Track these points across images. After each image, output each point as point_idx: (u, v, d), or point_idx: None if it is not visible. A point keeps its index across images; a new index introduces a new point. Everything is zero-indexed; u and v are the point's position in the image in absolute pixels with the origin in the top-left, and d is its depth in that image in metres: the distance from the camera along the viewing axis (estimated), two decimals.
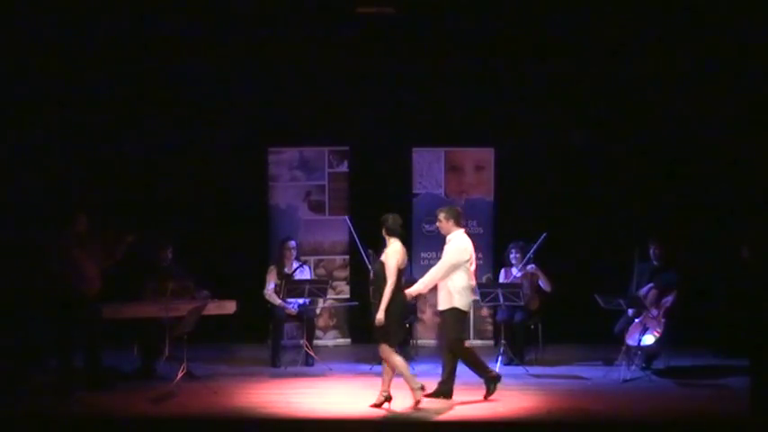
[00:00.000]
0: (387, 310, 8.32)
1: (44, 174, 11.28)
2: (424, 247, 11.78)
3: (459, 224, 8.95)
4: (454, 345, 8.90)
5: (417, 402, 8.38)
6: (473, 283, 8.94)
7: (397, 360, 8.44)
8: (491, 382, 8.82)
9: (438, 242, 11.62)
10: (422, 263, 11.54)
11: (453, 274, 8.79)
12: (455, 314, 8.79)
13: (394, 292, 8.34)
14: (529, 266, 10.41)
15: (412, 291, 8.84)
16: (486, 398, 8.76)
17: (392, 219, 8.63)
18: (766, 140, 10.89)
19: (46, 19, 10.82)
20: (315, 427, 8.07)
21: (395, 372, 8.45)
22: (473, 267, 8.96)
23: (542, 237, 10.25)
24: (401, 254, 8.48)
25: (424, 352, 11.25)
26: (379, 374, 9.67)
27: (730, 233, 9.93)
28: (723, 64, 11.11)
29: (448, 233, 8.95)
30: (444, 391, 8.82)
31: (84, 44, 11.14)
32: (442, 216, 8.94)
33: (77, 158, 11.55)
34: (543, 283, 10.48)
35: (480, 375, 8.90)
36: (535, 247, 10.30)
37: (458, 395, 8.89)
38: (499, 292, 10.07)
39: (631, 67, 11.49)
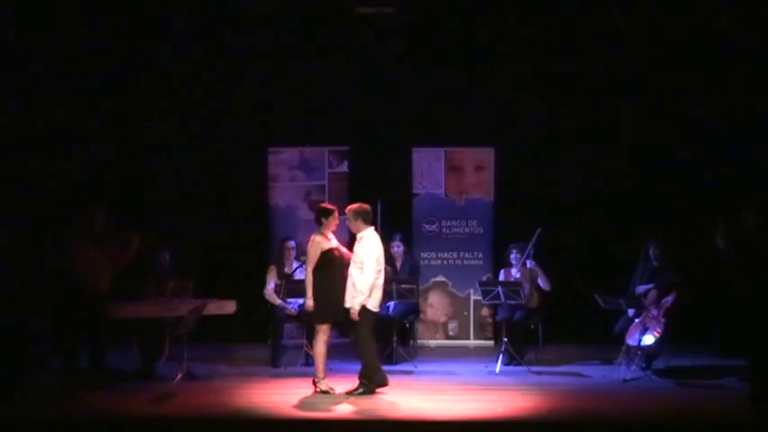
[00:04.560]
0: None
1: (49, 174, 11.28)
2: (425, 247, 11.78)
3: (367, 222, 8.95)
4: (358, 339, 8.93)
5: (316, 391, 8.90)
6: (380, 281, 8.89)
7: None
8: (369, 385, 8.84)
9: (438, 242, 11.71)
10: (422, 263, 11.57)
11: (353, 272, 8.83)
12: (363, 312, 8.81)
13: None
14: (527, 262, 10.39)
15: (355, 304, 8.76)
16: (346, 392, 8.83)
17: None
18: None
19: (45, 17, 10.82)
20: (315, 427, 8.07)
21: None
22: (380, 268, 8.92)
23: (537, 232, 10.15)
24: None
25: (425, 352, 11.27)
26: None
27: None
28: (721, 64, 11.13)
29: (358, 231, 8.94)
30: (379, 381, 8.89)
31: (84, 43, 11.14)
32: (350, 215, 8.95)
33: (78, 159, 11.55)
34: (542, 282, 10.44)
35: (363, 373, 8.88)
36: (532, 242, 10.21)
37: (458, 395, 8.91)
38: (500, 289, 10.08)
39: (631, 67, 11.49)
